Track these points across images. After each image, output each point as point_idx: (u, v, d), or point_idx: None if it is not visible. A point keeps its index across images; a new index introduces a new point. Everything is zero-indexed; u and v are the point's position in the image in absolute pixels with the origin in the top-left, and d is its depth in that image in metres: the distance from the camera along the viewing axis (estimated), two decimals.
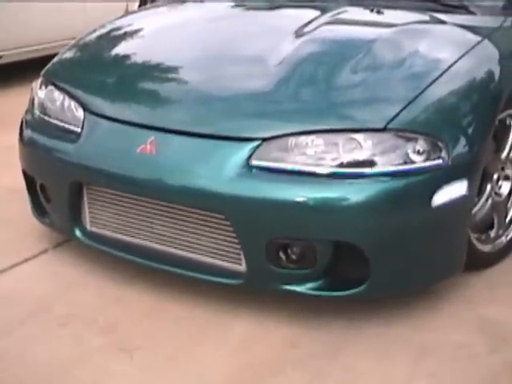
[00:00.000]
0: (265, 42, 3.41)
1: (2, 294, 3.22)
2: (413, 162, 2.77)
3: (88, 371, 2.71)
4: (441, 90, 2.96)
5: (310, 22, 3.50)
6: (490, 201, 3.33)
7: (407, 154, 2.77)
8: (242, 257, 2.89)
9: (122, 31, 3.90)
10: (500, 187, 3.40)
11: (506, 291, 3.21)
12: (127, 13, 4.25)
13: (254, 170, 2.80)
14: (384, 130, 2.77)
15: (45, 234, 3.65)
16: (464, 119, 2.99)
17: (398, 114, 2.80)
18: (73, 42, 3.90)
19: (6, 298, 3.18)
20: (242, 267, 2.91)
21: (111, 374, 2.69)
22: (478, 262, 3.28)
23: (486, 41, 3.35)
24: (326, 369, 2.72)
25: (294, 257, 2.86)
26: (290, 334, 2.91)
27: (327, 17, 3.59)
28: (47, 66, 3.69)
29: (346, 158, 2.76)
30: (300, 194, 2.74)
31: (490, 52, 3.34)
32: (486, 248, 3.32)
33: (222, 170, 2.82)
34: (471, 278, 3.25)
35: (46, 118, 3.41)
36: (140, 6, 7.95)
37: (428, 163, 2.79)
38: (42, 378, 2.68)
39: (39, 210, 3.53)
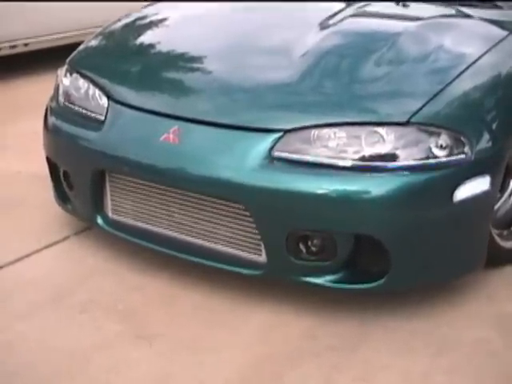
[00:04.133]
0: (289, 34, 3.41)
1: (23, 279, 3.25)
2: (435, 157, 2.76)
3: (107, 358, 2.73)
4: (465, 85, 2.95)
5: (335, 15, 3.50)
6: None
7: (430, 149, 2.76)
8: (262, 248, 2.90)
9: (147, 20, 3.91)
10: None
11: None
12: (152, 2, 4.24)
13: (275, 162, 2.80)
14: (407, 123, 2.76)
15: (67, 220, 3.67)
16: (488, 114, 2.97)
17: (421, 108, 2.79)
18: (98, 30, 3.92)
19: (28, 283, 3.21)
20: (261, 258, 2.92)
21: (130, 361, 2.71)
22: (500, 259, 3.26)
23: None
24: (344, 362, 2.72)
25: (314, 249, 2.86)
26: (308, 326, 2.91)
27: (352, 9, 3.59)
28: (72, 54, 3.71)
29: (368, 152, 2.75)
30: (321, 186, 2.74)
31: None
32: (507, 244, 3.29)
33: (243, 160, 2.83)
34: (492, 274, 3.23)
35: (71, 105, 3.43)
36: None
37: (451, 158, 2.78)
38: (61, 364, 2.70)
39: (62, 196, 3.56)
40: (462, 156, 2.79)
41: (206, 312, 3.01)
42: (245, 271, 2.97)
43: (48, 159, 3.56)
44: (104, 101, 3.26)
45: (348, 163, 2.76)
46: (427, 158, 2.75)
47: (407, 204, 2.75)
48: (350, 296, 3.03)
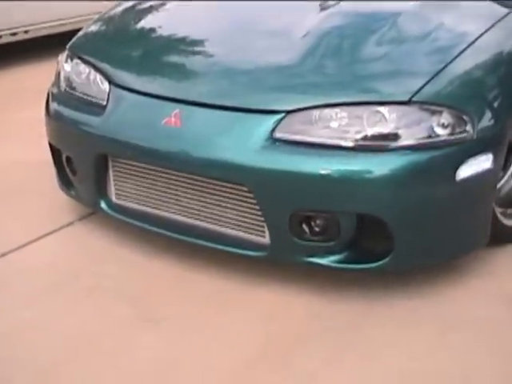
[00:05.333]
0: (289, 15, 3.41)
1: (28, 265, 3.26)
2: (437, 136, 2.76)
3: (114, 342, 2.75)
4: (466, 64, 2.94)
5: None
6: None
7: (432, 127, 2.76)
8: (266, 229, 2.90)
9: (146, 5, 3.90)
10: None
11: None
12: None
13: (277, 143, 2.81)
14: (408, 102, 2.76)
15: (71, 206, 3.68)
16: (490, 93, 2.97)
17: (422, 87, 2.78)
18: (98, 15, 3.91)
19: (33, 269, 3.23)
20: (265, 239, 2.93)
21: (137, 345, 2.73)
22: (503, 237, 3.27)
23: None
24: (349, 340, 2.73)
25: (317, 229, 2.87)
26: (314, 306, 2.93)
27: None
28: (73, 40, 3.71)
29: (370, 131, 2.76)
30: (323, 166, 2.75)
31: None
32: (510, 222, 3.30)
33: (245, 142, 2.83)
34: (495, 252, 3.24)
35: (72, 91, 3.43)
36: None
37: (453, 136, 2.78)
38: (68, 349, 2.72)
39: (65, 182, 3.56)
40: (464, 134, 2.79)
41: (212, 294, 3.02)
42: (249, 253, 2.98)
43: (51, 145, 3.56)
44: (105, 85, 3.26)
45: (350, 143, 2.76)
46: (429, 136, 2.75)
47: (410, 183, 2.75)
48: (354, 276, 3.05)
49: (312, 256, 2.90)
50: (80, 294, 3.04)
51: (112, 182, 3.28)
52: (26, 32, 6.65)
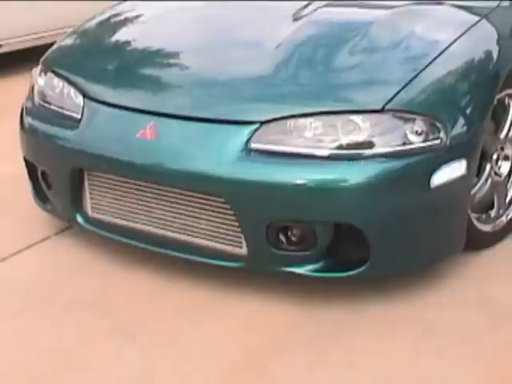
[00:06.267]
0: (263, 26, 3.43)
1: (5, 280, 3.24)
2: (411, 143, 2.78)
3: (91, 355, 2.73)
4: (438, 71, 2.97)
5: (307, 5, 3.51)
6: (489, 181, 3.34)
7: (405, 135, 2.78)
8: (243, 240, 2.90)
9: (121, 17, 3.90)
10: (500, 167, 3.40)
11: (506, 270, 3.23)
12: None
13: (252, 153, 2.81)
14: (382, 111, 2.78)
15: (47, 220, 3.66)
16: (462, 99, 3.00)
17: (395, 95, 2.81)
18: (72, 29, 3.91)
19: (9, 284, 3.21)
20: (242, 250, 2.93)
21: (115, 358, 2.71)
22: (479, 242, 3.29)
23: (484, 21, 3.35)
24: (329, 350, 2.73)
25: (294, 239, 2.88)
26: (292, 315, 2.93)
27: None
28: (47, 53, 3.70)
29: (344, 140, 2.77)
30: (299, 176, 2.76)
31: (487, 32, 3.34)
32: (486, 228, 3.33)
33: (221, 153, 2.83)
34: (472, 257, 3.26)
35: (46, 104, 3.42)
36: None
37: (426, 144, 2.80)
38: (46, 364, 2.70)
39: (41, 196, 3.55)
40: (438, 141, 2.81)
41: (189, 305, 3.01)
42: (226, 264, 2.98)
43: (25, 159, 3.54)
44: (79, 99, 3.26)
45: (325, 152, 2.77)
46: (403, 144, 2.77)
47: (385, 191, 2.77)
48: (333, 284, 3.05)
49: (289, 265, 2.91)
50: (58, 308, 3.02)
51: (88, 196, 3.26)
52: None
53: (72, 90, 3.31)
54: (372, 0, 3.67)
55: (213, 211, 2.93)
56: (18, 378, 2.63)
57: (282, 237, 2.87)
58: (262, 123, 2.83)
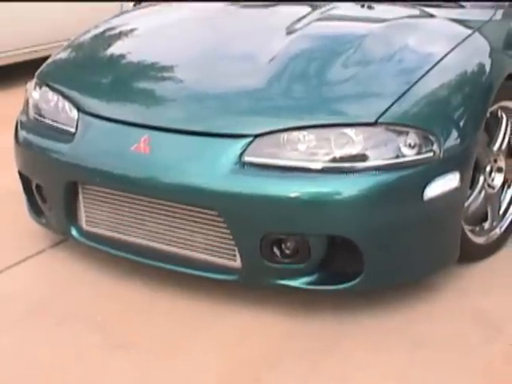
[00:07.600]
0: (257, 40, 3.43)
1: (0, 293, 3.24)
2: (404, 156, 2.79)
3: (86, 369, 2.73)
4: (431, 84, 2.98)
5: (301, 19, 3.52)
6: (483, 193, 3.35)
7: (399, 148, 2.79)
8: (237, 253, 2.91)
9: (115, 31, 3.91)
10: (493, 179, 3.41)
11: (499, 282, 3.23)
12: (121, 12, 4.24)
13: (246, 167, 2.82)
14: (375, 124, 2.79)
15: (42, 234, 3.66)
16: (455, 112, 3.00)
17: (388, 108, 2.82)
18: (67, 42, 3.92)
19: (4, 297, 3.20)
20: (236, 263, 2.93)
21: (108, 371, 2.71)
22: (473, 254, 3.30)
23: (477, 34, 3.37)
24: (322, 362, 2.74)
25: (288, 252, 2.88)
26: (286, 328, 2.93)
27: (318, 13, 3.62)
28: (41, 67, 3.70)
29: (338, 153, 2.78)
30: (293, 189, 2.76)
31: (480, 45, 3.35)
32: (480, 240, 3.34)
33: (214, 166, 2.84)
34: (465, 269, 3.27)
35: (41, 118, 3.42)
36: (135, 5, 7.94)
37: (419, 156, 2.81)
38: (40, 377, 2.70)
39: (35, 210, 3.55)
40: (431, 154, 2.82)
41: (183, 318, 3.01)
42: (220, 277, 2.98)
43: (20, 173, 3.55)
44: (74, 113, 3.26)
45: (318, 165, 2.78)
46: (396, 157, 2.78)
47: (378, 204, 2.78)
48: (326, 297, 3.05)
49: (283, 278, 2.91)
50: (51, 321, 3.02)
51: (82, 209, 3.27)
52: None
53: (66, 104, 3.31)
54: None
55: (207, 224, 2.93)
56: None
57: (275, 250, 2.87)
58: (256, 136, 2.84)
